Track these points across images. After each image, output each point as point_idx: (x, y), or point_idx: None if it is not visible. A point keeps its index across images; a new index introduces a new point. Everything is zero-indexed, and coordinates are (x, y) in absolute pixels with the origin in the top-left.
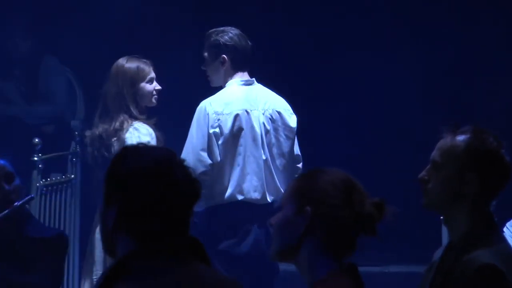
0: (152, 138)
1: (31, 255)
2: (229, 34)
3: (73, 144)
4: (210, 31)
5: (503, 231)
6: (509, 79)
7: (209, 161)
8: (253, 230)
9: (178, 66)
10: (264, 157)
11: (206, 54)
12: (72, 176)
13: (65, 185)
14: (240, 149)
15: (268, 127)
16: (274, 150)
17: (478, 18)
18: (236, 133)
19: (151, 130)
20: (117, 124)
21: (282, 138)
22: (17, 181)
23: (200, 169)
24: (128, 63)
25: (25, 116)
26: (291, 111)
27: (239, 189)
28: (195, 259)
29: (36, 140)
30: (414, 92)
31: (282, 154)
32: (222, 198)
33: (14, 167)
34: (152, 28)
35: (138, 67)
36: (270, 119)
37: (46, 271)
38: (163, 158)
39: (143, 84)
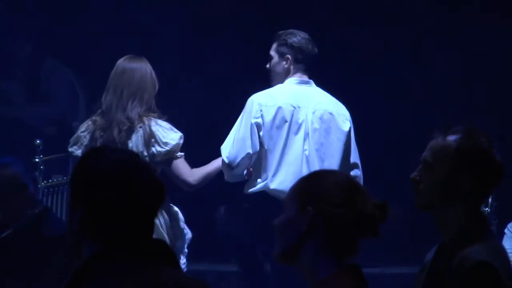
0: (174, 127)
1: (44, 255)
2: (298, 36)
3: None
4: (280, 32)
5: (504, 233)
6: None
7: (248, 151)
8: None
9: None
10: (307, 153)
11: (272, 53)
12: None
13: (66, 186)
14: (281, 141)
15: (316, 126)
16: (323, 150)
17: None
18: (278, 125)
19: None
20: (138, 118)
21: (333, 140)
22: (30, 188)
23: (239, 157)
24: (140, 61)
25: (26, 118)
26: (347, 117)
27: (274, 179)
28: (161, 262)
29: (38, 141)
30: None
31: (332, 156)
32: (255, 186)
33: (25, 171)
34: (157, 29)
35: (147, 64)
36: (320, 118)
37: (59, 270)
38: (128, 160)
39: (153, 83)
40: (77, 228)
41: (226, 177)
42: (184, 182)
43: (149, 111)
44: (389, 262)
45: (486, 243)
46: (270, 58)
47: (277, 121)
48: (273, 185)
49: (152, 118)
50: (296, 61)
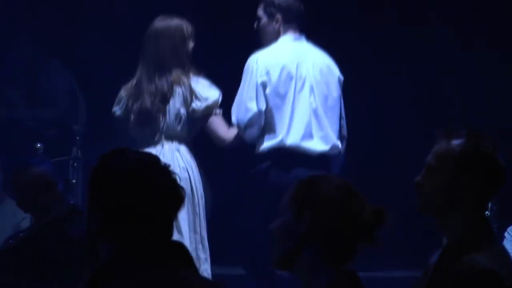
0: (214, 85)
1: (68, 255)
2: None
3: (74, 148)
4: None
5: (504, 236)
6: None
7: (255, 109)
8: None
9: None
10: (313, 106)
11: (260, 13)
12: (74, 181)
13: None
14: (290, 97)
15: (318, 79)
16: (327, 102)
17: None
18: (284, 82)
19: (207, 80)
20: (175, 76)
21: (332, 92)
22: (59, 188)
23: (247, 117)
24: (177, 21)
25: (26, 120)
26: (338, 69)
27: (288, 135)
28: (179, 264)
29: (38, 145)
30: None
31: (332, 109)
32: (269, 143)
33: (56, 172)
34: None
35: (185, 25)
36: (320, 71)
37: (80, 271)
38: (146, 162)
39: (190, 42)
40: (95, 229)
41: (243, 139)
42: (219, 138)
43: (187, 70)
44: (390, 265)
45: (489, 249)
46: (258, 18)
47: (283, 78)
48: (289, 141)
49: (192, 76)
50: (285, 20)
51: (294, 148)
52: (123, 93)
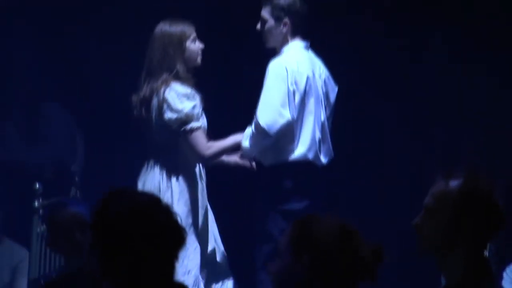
0: (192, 98)
1: None
2: None
3: (73, 189)
4: None
5: (502, 276)
6: None
7: (288, 117)
8: (310, 191)
9: None
10: (322, 119)
11: (266, 16)
12: None
13: None
14: (310, 109)
15: (324, 90)
16: (327, 112)
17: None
18: (307, 93)
19: (190, 89)
20: (159, 82)
21: (332, 102)
22: None
23: (280, 123)
24: (172, 24)
25: (25, 160)
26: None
27: (309, 148)
28: None
29: (37, 185)
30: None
31: (331, 117)
32: (291, 156)
33: (89, 211)
34: None
35: (182, 27)
36: (324, 82)
37: None
38: (147, 203)
39: (189, 43)
40: (97, 269)
41: (251, 147)
42: (198, 155)
43: (173, 77)
44: None
45: None
46: (263, 20)
47: (307, 89)
48: (311, 155)
49: (171, 84)
50: (294, 25)
51: (313, 162)
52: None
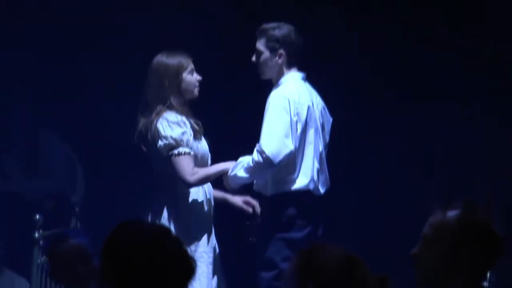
0: (183, 125)
1: None
2: (286, 29)
3: (73, 220)
4: (265, 25)
5: None
6: None
7: (291, 147)
8: (311, 220)
9: None
10: (320, 149)
11: (261, 47)
12: None
13: None
14: (310, 140)
15: (321, 121)
16: (323, 143)
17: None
18: (308, 124)
19: (181, 117)
20: (154, 114)
21: (328, 134)
22: (95, 262)
23: (284, 153)
24: (168, 56)
25: (25, 192)
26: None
27: (310, 178)
28: None
29: (37, 216)
30: None
31: (326, 148)
32: (293, 186)
33: (93, 246)
34: None
35: (179, 59)
36: (321, 113)
37: None
38: (157, 234)
39: (185, 75)
40: None
41: (250, 176)
42: (182, 180)
43: (167, 108)
44: None
45: None
46: (258, 52)
47: (308, 119)
48: (312, 185)
49: (164, 113)
50: (289, 56)
51: (314, 192)
52: None
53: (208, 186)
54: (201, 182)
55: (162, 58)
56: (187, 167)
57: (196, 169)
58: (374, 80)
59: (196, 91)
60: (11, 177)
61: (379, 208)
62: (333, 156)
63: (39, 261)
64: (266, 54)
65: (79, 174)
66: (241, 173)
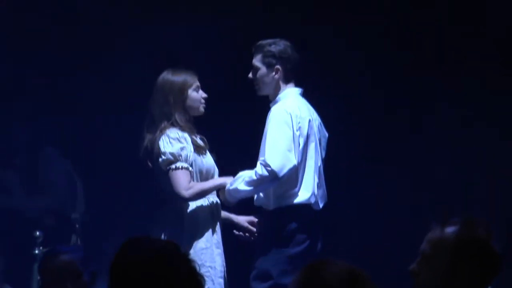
0: (183, 141)
1: None
2: (282, 45)
3: (73, 236)
4: (261, 42)
5: None
6: None
7: (294, 162)
8: (311, 234)
9: None
10: (319, 164)
11: (257, 64)
12: None
13: None
14: (311, 154)
15: (319, 136)
16: (321, 158)
17: None
18: (309, 138)
19: (182, 134)
20: (158, 132)
21: (324, 148)
22: (85, 278)
23: (288, 167)
24: (174, 73)
25: (25, 209)
26: None
27: (312, 193)
28: None
29: (37, 233)
30: None
31: (323, 163)
32: (294, 200)
33: (84, 260)
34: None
35: (184, 76)
36: (318, 128)
37: None
38: (165, 251)
39: (190, 91)
40: None
41: (253, 189)
42: (178, 194)
43: (171, 125)
44: None
45: None
46: (255, 68)
47: (309, 134)
48: (313, 199)
49: (167, 130)
50: (285, 71)
51: (314, 206)
52: None
53: (215, 203)
54: (196, 196)
55: (167, 75)
56: (182, 181)
57: (192, 183)
58: (372, 92)
59: (201, 108)
60: (12, 193)
61: (378, 218)
62: (332, 168)
63: (39, 277)
64: (262, 70)
65: (79, 190)
66: (242, 186)
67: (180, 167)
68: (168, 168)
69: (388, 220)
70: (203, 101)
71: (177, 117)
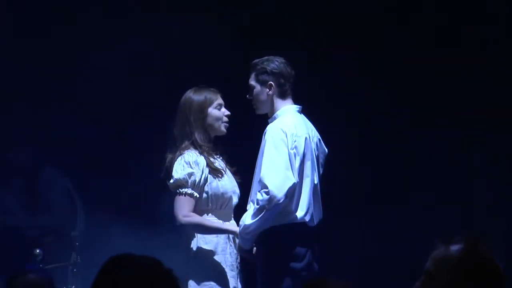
0: (194, 166)
1: None
2: (275, 62)
3: (73, 254)
4: (255, 60)
5: None
6: None
7: (294, 180)
8: (308, 250)
9: None
10: (315, 182)
11: (252, 83)
12: (73, 287)
13: None
14: (307, 172)
15: (316, 153)
16: (318, 176)
17: None
18: (305, 156)
19: (196, 157)
20: (178, 152)
21: (322, 165)
22: None
23: (287, 185)
24: (196, 92)
25: (25, 227)
26: None
27: (306, 211)
28: None
29: (37, 251)
30: None
31: (321, 180)
32: (291, 218)
33: (52, 281)
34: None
35: (205, 94)
36: (317, 145)
37: None
38: (149, 267)
39: (211, 109)
40: None
41: (264, 218)
42: (175, 217)
43: (191, 144)
44: None
45: None
46: (251, 88)
47: (306, 152)
48: (308, 218)
49: (185, 151)
50: (279, 86)
51: (308, 224)
52: None
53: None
54: (193, 227)
55: (189, 94)
56: (182, 207)
57: (193, 213)
58: (369, 109)
59: (223, 126)
60: (11, 212)
61: (377, 236)
62: (330, 184)
63: None
64: (257, 87)
65: (79, 208)
66: (249, 220)
67: (183, 192)
68: (174, 191)
69: (389, 243)
70: (225, 119)
71: (197, 136)
